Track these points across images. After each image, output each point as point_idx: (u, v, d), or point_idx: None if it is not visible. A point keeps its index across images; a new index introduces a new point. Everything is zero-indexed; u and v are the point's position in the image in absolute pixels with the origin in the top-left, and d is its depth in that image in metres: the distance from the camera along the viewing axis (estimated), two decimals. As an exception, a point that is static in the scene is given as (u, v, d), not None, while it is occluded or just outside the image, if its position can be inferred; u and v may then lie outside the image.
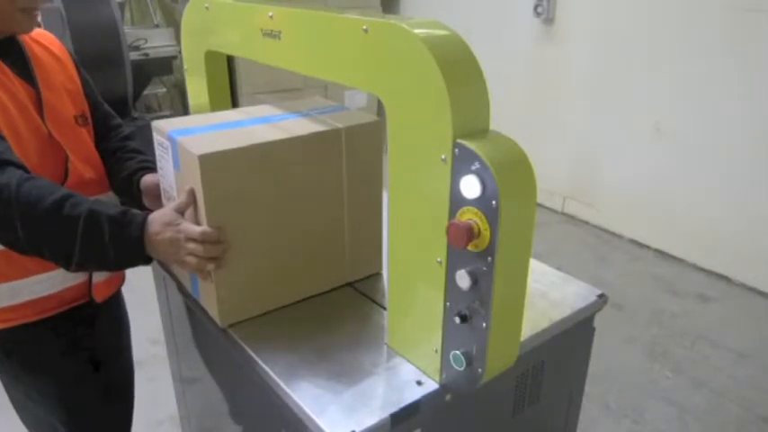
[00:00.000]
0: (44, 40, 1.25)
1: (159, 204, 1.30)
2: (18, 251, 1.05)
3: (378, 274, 1.36)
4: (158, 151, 1.22)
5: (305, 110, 1.30)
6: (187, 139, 1.10)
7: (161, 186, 1.28)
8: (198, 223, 1.09)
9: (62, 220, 1.00)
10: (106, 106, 1.41)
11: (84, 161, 1.24)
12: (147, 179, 1.35)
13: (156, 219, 1.06)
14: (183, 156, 1.11)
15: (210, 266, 1.08)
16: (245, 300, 1.19)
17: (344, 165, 1.21)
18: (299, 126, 1.19)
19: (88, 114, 1.31)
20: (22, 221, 0.98)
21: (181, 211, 1.09)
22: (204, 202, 1.06)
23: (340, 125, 1.19)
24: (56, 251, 1.03)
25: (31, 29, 1.16)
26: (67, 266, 1.06)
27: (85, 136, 1.28)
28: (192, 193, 1.09)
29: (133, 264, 1.07)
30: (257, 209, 1.13)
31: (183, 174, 1.13)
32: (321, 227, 1.23)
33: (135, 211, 1.07)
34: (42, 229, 1.00)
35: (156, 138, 1.21)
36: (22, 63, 1.16)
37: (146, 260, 1.07)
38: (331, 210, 1.23)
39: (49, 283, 1.20)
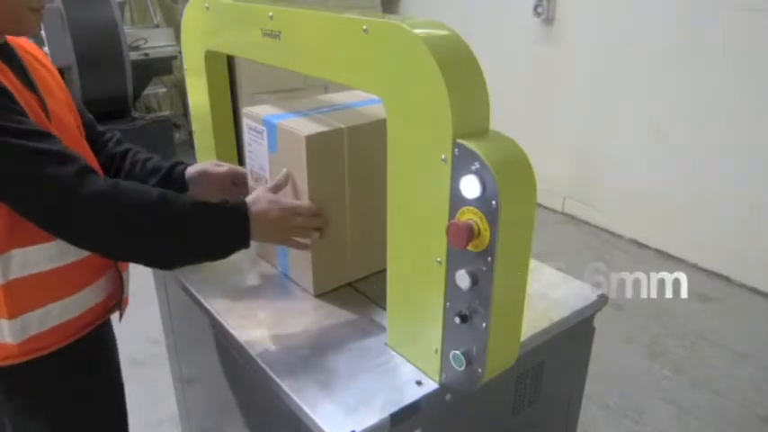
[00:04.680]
0: (28, 47, 1.16)
1: (205, 192, 1.36)
2: (117, 254, 1.05)
3: (377, 274, 1.36)
4: (250, 136, 1.31)
5: (369, 98, 1.37)
6: (287, 123, 1.21)
7: (249, 169, 1.35)
8: (297, 199, 1.20)
9: (168, 213, 1.00)
10: (89, 114, 1.36)
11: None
12: (192, 173, 1.37)
13: (259, 199, 1.12)
14: (283, 138, 1.21)
15: (316, 236, 1.19)
16: (335, 270, 1.30)
17: None
18: (375, 111, 1.27)
19: (81, 123, 1.25)
20: (127, 220, 0.98)
21: (276, 192, 1.17)
22: (307, 179, 1.17)
23: None
24: (162, 246, 1.02)
25: (38, 30, 1.10)
26: (170, 262, 1.08)
27: (88, 147, 1.21)
28: (287, 175, 1.20)
29: (235, 248, 1.09)
30: (347, 185, 1.23)
31: (281, 155, 1.24)
32: None
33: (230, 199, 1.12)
34: (147, 224, 0.99)
35: (248, 123, 1.30)
36: (20, 70, 1.06)
37: (247, 243, 1.09)
38: None
39: (75, 305, 1.11)
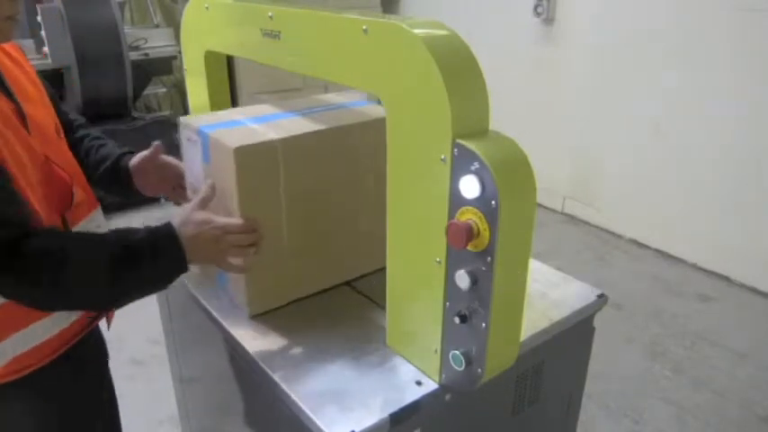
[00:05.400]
0: (1, 45, 1.10)
1: (148, 182, 1.33)
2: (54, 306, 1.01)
3: (377, 273, 1.36)
4: (185, 146, 1.26)
5: (333, 103, 1.33)
6: (219, 133, 1.14)
7: (187, 181, 1.31)
8: (229, 214, 1.13)
9: (101, 261, 0.97)
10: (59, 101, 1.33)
11: (75, 179, 1.14)
12: (134, 162, 1.32)
13: (188, 221, 1.05)
14: (215, 149, 1.15)
15: (251, 252, 1.12)
16: (273, 289, 1.23)
17: (370, 157, 1.22)
18: (327, 119, 1.22)
19: (58, 122, 1.20)
20: (58, 277, 0.94)
21: (204, 207, 1.09)
22: (238, 192, 1.10)
23: (367, 118, 1.21)
24: (100, 293, 1.01)
25: (11, 39, 1.04)
26: (112, 304, 1.07)
27: (66, 148, 1.17)
28: (213, 187, 1.12)
29: (175, 276, 1.05)
30: (285, 199, 1.17)
31: (214, 167, 1.17)
32: (342, 219, 1.25)
33: (155, 225, 1.06)
34: (84, 279, 0.97)
35: (184, 133, 1.24)
36: None
37: (186, 267, 1.04)
38: (353, 202, 1.26)
39: (55, 323, 1.08)
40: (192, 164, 1.26)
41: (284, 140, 1.13)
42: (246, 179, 1.10)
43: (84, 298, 1.00)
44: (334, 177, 1.21)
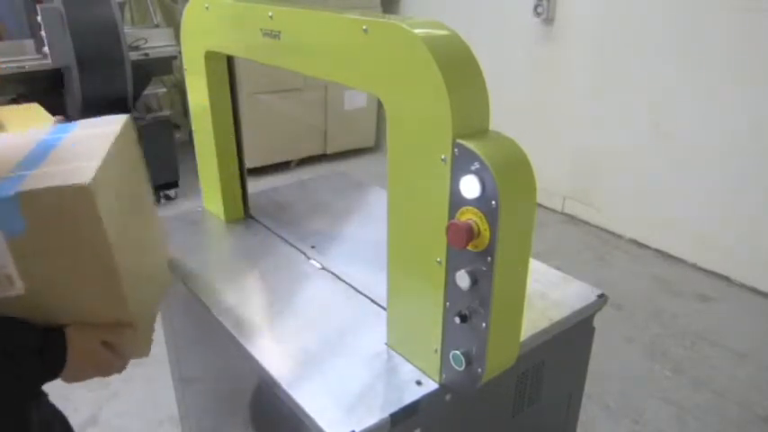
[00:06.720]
0: None
1: None
2: None
3: (378, 274, 1.35)
4: None
5: (46, 134, 1.11)
6: (33, 181, 0.87)
7: None
8: (89, 270, 0.94)
9: None
10: None
11: None
12: None
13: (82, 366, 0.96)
14: (42, 200, 0.86)
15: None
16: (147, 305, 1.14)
17: (137, 157, 1.20)
18: (99, 136, 1.07)
19: None
20: None
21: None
22: (107, 233, 0.91)
23: (119, 126, 1.12)
24: None
25: None
26: None
27: None
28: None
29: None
30: (122, 220, 1.02)
31: (38, 233, 0.87)
32: (144, 221, 1.24)
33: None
34: None
35: None
36: None
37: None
38: (142, 202, 1.23)
39: None
40: None
41: (105, 159, 0.96)
42: (105, 214, 0.90)
43: None
44: (129, 186, 1.14)
